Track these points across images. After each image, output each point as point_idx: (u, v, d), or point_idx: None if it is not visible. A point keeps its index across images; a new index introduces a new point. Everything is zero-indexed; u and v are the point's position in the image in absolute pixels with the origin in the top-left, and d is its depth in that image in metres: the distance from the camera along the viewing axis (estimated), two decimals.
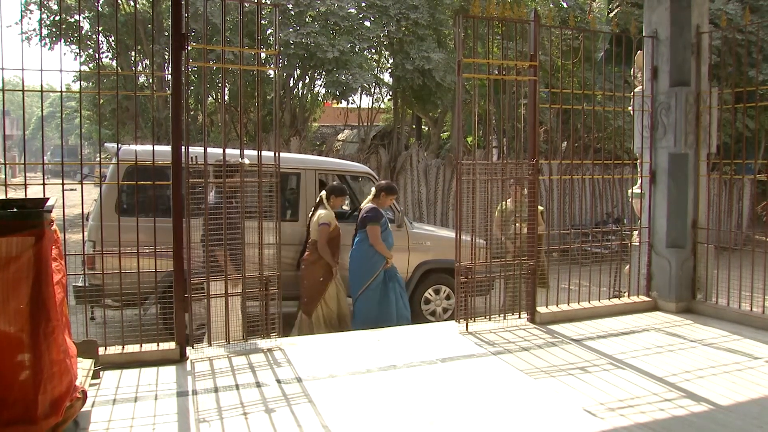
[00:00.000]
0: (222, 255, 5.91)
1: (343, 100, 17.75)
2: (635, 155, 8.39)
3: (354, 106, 19.73)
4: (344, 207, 9.35)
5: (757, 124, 8.40)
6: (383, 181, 8.38)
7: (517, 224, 7.41)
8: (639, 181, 8.25)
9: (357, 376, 5.35)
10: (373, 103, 20.23)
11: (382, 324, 7.42)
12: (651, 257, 7.95)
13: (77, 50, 17.10)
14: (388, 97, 21.40)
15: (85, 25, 17.50)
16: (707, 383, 5.21)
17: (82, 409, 4.19)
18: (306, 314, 7.69)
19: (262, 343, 6.10)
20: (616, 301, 7.93)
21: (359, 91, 17.15)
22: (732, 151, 8.04)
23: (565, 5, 18.24)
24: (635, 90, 8.31)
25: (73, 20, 16.64)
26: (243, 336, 6.06)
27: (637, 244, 8.10)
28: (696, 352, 6.09)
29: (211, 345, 5.92)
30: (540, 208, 7.06)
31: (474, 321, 6.89)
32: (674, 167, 7.72)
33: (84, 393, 4.13)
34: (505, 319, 7.06)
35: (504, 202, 8.02)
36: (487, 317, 7.03)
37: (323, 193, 8.04)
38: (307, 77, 17.83)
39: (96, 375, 5.02)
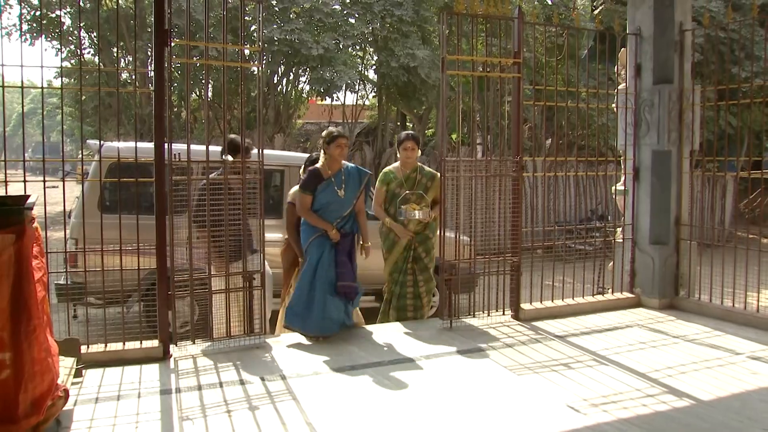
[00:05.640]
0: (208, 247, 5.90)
1: (327, 97, 17.74)
2: (619, 152, 8.42)
3: (338, 102, 19.73)
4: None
5: (739, 121, 8.46)
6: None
7: None
8: (622, 178, 8.28)
9: (341, 374, 5.34)
10: (357, 100, 20.24)
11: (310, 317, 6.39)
12: (634, 254, 7.99)
13: (58, 46, 17.01)
14: (373, 93, 21.42)
15: (67, 21, 17.38)
16: (689, 379, 5.24)
17: (64, 408, 4.15)
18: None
19: (247, 340, 6.07)
20: (599, 297, 7.97)
21: (344, 88, 17.15)
22: (715, 148, 8.11)
23: (549, 2, 18.30)
24: (619, 87, 8.34)
25: (54, 15, 16.53)
26: (227, 333, 6.03)
27: (621, 240, 8.14)
28: (679, 348, 6.13)
29: (194, 343, 5.90)
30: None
31: (458, 318, 6.90)
32: (657, 164, 7.76)
33: (66, 391, 4.10)
34: (489, 316, 7.07)
35: None
36: (471, 314, 7.04)
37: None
38: (291, 74, 17.81)
39: (78, 373, 4.98)
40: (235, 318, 6.07)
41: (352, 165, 6.76)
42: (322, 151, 6.62)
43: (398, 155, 7.22)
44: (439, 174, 6.89)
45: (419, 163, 7.25)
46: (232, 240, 5.92)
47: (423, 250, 7.09)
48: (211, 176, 5.87)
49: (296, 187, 6.82)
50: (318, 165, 6.57)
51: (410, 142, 7.09)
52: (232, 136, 6.52)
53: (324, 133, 6.72)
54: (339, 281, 6.41)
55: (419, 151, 7.23)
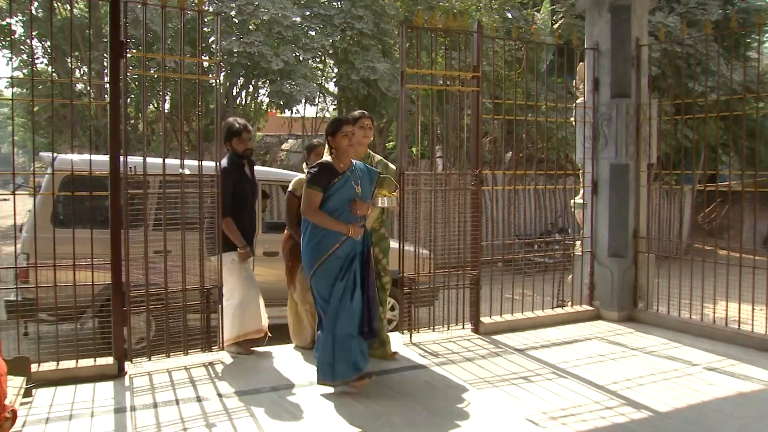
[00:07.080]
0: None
1: (287, 110, 17.65)
2: (578, 165, 8.49)
3: (298, 115, 19.65)
4: None
5: (695, 134, 8.61)
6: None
7: None
8: (581, 192, 8.35)
9: (300, 389, 5.27)
10: (317, 112, 20.19)
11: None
12: (593, 267, 8.04)
13: (9, 55, 16.71)
14: (333, 106, 21.38)
15: (18, 29, 17.07)
16: (647, 390, 5.28)
17: (12, 430, 4.03)
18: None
19: (203, 356, 5.97)
20: (559, 310, 8.00)
21: (303, 101, 17.09)
22: (672, 161, 8.21)
23: (509, 16, 18.47)
24: (577, 101, 8.42)
25: (5, 23, 16.22)
26: (184, 350, 5.92)
27: (580, 253, 8.19)
28: (637, 360, 6.18)
29: (150, 359, 5.78)
30: None
31: (418, 332, 6.86)
32: (615, 178, 7.84)
33: (14, 412, 3.97)
34: (449, 329, 7.05)
35: None
36: (431, 328, 7.02)
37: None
38: (250, 86, 17.69)
39: (28, 393, 4.84)
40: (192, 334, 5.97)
41: (359, 162, 5.49)
42: (327, 146, 5.38)
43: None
44: (391, 165, 6.31)
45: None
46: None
47: (380, 251, 6.12)
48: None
49: (300, 176, 6.22)
50: (328, 158, 5.30)
51: (368, 120, 5.98)
52: (230, 119, 6.42)
53: (332, 121, 5.41)
54: (371, 323, 5.24)
55: None
